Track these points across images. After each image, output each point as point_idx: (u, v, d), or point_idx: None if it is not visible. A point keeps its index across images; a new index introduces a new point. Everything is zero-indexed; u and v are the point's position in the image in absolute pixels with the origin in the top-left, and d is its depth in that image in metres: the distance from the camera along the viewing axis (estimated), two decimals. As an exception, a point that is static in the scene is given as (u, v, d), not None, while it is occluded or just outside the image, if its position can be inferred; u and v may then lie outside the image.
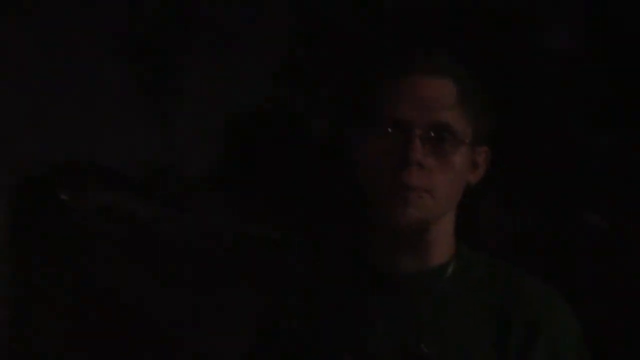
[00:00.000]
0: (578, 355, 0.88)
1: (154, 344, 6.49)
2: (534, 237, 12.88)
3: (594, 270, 10.26)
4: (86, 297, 8.51)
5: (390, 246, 0.92)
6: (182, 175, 23.73)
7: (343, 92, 18.59)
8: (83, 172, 21.30)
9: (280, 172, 21.41)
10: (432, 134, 0.85)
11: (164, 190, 21.48)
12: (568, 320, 0.89)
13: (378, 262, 0.94)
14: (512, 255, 11.20)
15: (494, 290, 0.90)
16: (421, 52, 0.90)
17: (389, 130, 0.86)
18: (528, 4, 17.03)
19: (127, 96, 25.53)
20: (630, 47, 14.25)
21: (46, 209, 22.33)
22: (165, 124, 25.20)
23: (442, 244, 0.93)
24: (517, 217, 13.49)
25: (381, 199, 0.87)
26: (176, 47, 25.87)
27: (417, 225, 0.88)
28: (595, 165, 13.70)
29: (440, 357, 0.86)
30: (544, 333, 0.86)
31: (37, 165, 20.14)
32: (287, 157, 21.85)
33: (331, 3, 19.61)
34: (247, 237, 14.61)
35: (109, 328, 6.87)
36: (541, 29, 17.01)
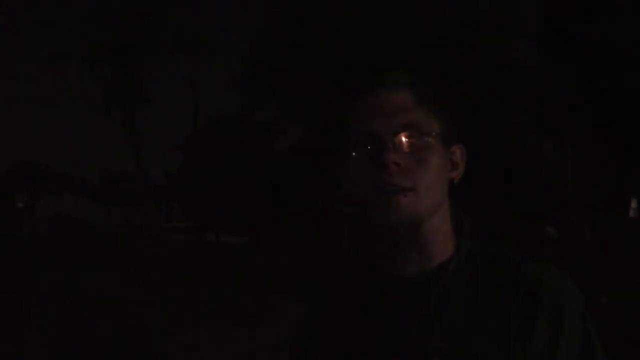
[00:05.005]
0: (582, 323, 0.90)
1: (113, 344, 6.40)
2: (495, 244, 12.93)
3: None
4: (44, 301, 8.40)
5: (391, 249, 0.96)
6: (143, 182, 23.37)
7: (318, 105, 18.52)
8: (39, 179, 20.78)
9: (242, 181, 21.20)
10: (402, 136, 0.91)
11: (123, 196, 21.07)
12: (568, 291, 0.91)
13: (383, 268, 0.97)
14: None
15: (496, 278, 0.93)
16: (381, 72, 0.97)
17: (365, 143, 0.92)
18: (493, 23, 17.43)
19: (92, 102, 25.12)
20: (582, 63, 14.63)
21: (3, 216, 21.78)
22: (129, 130, 24.81)
23: (439, 242, 0.96)
24: (478, 225, 13.52)
25: (371, 203, 0.92)
26: (144, 54, 25.58)
27: (408, 222, 0.91)
28: (545, 173, 13.94)
29: (451, 350, 0.89)
30: (544, 303, 0.89)
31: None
32: (250, 166, 21.67)
33: (303, 11, 19.57)
34: (203, 244, 14.39)
35: (66, 329, 6.80)
36: (503, 45, 17.38)
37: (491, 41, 17.21)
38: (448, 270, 0.94)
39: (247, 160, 20.89)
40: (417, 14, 17.34)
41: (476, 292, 0.92)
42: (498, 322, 0.88)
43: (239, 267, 11.92)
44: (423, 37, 16.67)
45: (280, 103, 21.67)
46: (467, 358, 0.87)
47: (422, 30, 16.95)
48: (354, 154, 0.93)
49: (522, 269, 0.92)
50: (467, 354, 0.88)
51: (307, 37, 19.54)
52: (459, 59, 15.80)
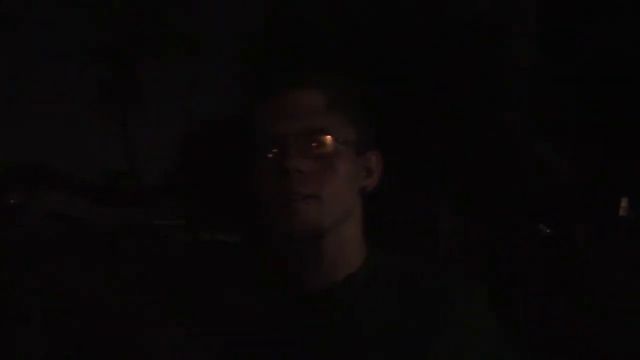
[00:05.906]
0: (489, 341, 0.85)
1: (108, 343, 6.43)
2: (488, 243, 13.15)
3: (544, 272, 10.53)
4: (37, 300, 8.41)
5: (296, 261, 0.91)
6: (139, 180, 23.42)
7: None
8: (33, 176, 20.81)
9: (238, 179, 21.29)
10: (308, 141, 0.85)
11: (120, 195, 21.12)
12: (473, 306, 0.86)
13: (290, 279, 0.93)
14: (468, 260, 11.44)
15: (402, 291, 0.88)
16: (286, 71, 0.92)
17: (268, 147, 0.87)
18: (491, 22, 17.55)
19: (89, 101, 25.16)
20: (581, 64, 14.74)
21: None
22: (125, 129, 24.83)
23: (346, 254, 0.90)
24: (471, 224, 13.74)
25: (273, 211, 0.87)
26: (139, 53, 25.61)
27: (310, 232, 0.86)
28: (538, 174, 14.10)
29: None
30: (446, 317, 0.84)
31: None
32: (246, 164, 21.71)
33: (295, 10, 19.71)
34: (200, 242, 14.45)
35: (61, 330, 6.82)
36: (502, 44, 17.49)
37: (491, 41, 17.29)
38: (354, 283, 0.89)
39: (243, 158, 20.93)
40: (417, 14, 17.43)
41: (381, 306, 0.87)
42: (399, 337, 0.85)
43: (234, 265, 12.02)
44: (423, 37, 16.77)
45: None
46: None
47: (422, 30, 17.04)
48: (255, 157, 0.89)
49: (428, 282, 0.87)
50: None
51: (306, 37, 19.64)
52: (458, 58, 15.88)
